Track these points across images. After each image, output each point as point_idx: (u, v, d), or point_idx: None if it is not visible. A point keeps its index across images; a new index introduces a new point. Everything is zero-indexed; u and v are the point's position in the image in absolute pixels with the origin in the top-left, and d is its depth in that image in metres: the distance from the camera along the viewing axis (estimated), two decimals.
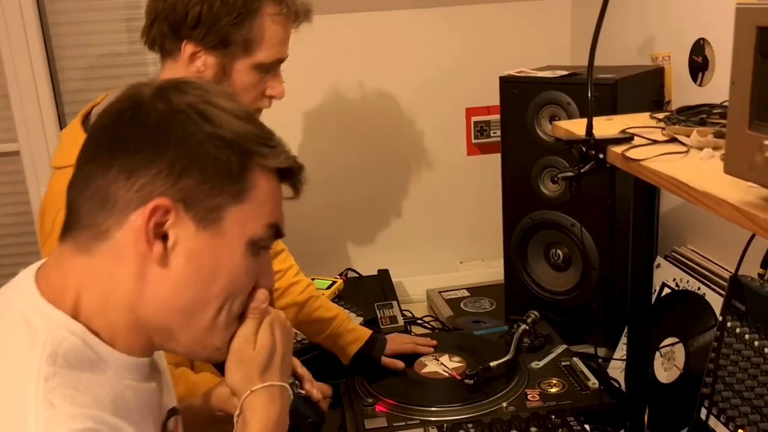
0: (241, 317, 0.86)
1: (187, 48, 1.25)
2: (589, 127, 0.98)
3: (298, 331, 1.70)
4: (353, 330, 1.63)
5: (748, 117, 0.70)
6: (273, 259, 1.61)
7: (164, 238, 0.77)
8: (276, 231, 0.84)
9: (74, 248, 0.79)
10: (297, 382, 1.01)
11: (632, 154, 0.93)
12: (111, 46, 2.20)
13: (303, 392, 1.00)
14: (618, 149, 0.96)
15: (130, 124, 0.78)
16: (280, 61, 1.32)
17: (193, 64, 1.26)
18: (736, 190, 0.76)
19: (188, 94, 0.79)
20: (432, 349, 1.64)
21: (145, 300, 0.78)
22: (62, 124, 2.21)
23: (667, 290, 1.63)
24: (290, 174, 0.85)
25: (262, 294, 0.86)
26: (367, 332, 1.63)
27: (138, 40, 2.15)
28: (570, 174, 0.97)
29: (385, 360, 1.59)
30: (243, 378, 0.86)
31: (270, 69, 1.31)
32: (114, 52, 2.21)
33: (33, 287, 0.79)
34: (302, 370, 1.04)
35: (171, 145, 0.76)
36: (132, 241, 0.76)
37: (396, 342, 1.63)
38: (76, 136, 1.06)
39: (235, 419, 0.86)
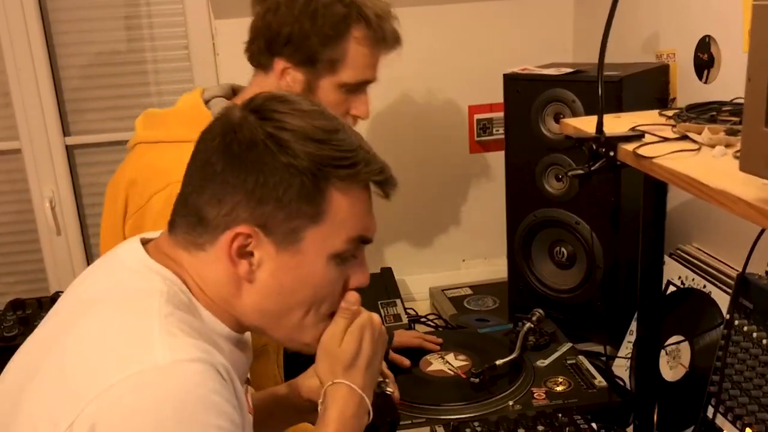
0: (334, 314, 0.92)
1: (279, 64, 1.34)
2: (600, 124, 0.97)
3: None
4: None
5: (765, 114, 0.69)
6: None
7: (251, 256, 0.85)
8: (361, 240, 0.89)
9: (176, 243, 0.88)
10: (383, 381, 1.04)
11: (644, 151, 0.93)
12: (111, 44, 2.19)
13: (388, 391, 1.04)
14: (629, 147, 0.96)
15: (216, 152, 0.84)
16: (367, 82, 1.39)
17: (283, 78, 1.34)
18: (750, 188, 0.76)
19: (270, 121, 0.84)
20: (438, 346, 1.64)
21: (237, 304, 0.87)
22: (64, 122, 2.20)
23: (672, 288, 1.62)
24: (379, 185, 0.90)
25: (351, 296, 0.92)
26: None
27: (137, 38, 2.19)
28: (580, 172, 0.97)
29: (392, 355, 1.60)
30: (328, 370, 0.93)
31: (355, 89, 1.38)
32: (114, 50, 2.20)
33: (144, 253, 0.88)
34: (388, 371, 1.09)
35: (251, 175, 0.82)
36: (223, 259, 0.85)
37: (403, 336, 1.64)
38: (198, 115, 1.19)
39: (319, 406, 0.93)
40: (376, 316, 0.98)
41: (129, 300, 0.84)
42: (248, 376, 1.00)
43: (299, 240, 0.84)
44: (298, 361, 1.67)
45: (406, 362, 1.59)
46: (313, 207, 0.84)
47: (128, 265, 0.88)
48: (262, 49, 1.34)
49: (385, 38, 1.37)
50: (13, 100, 2.14)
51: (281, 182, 0.82)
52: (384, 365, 1.08)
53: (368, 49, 1.35)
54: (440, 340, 1.66)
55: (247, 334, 0.97)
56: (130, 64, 2.20)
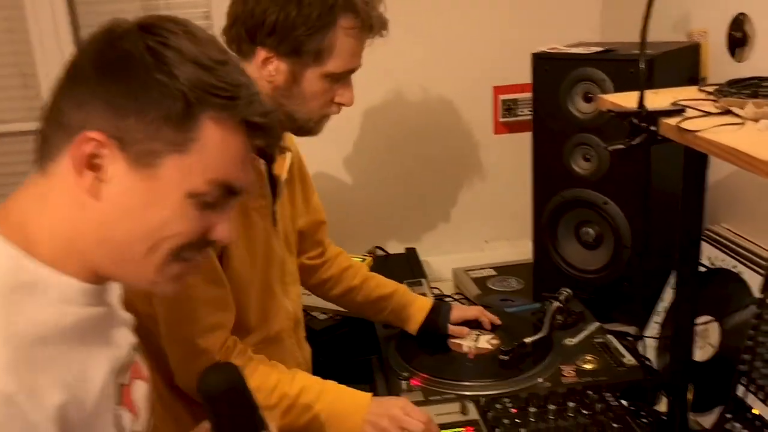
0: (186, 261, 0.85)
1: (261, 53, 1.28)
2: (641, 98, 0.97)
3: (357, 315, 1.72)
4: (416, 300, 1.65)
5: None
6: (323, 251, 1.63)
7: (100, 170, 0.78)
8: (226, 189, 0.82)
9: (38, 168, 0.82)
10: None
11: (687, 125, 0.92)
12: (128, 3, 2.17)
13: None
14: (672, 121, 0.95)
15: (91, 57, 0.80)
16: (352, 71, 1.34)
17: (265, 68, 1.28)
18: None
19: (154, 36, 0.79)
20: (496, 322, 1.65)
21: (81, 228, 0.81)
22: None
23: (701, 269, 1.62)
24: (258, 130, 0.83)
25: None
26: (429, 300, 1.66)
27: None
28: (621, 146, 0.97)
29: (451, 328, 1.61)
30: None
31: (340, 78, 1.33)
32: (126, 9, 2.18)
33: None
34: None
35: (117, 83, 0.77)
36: (67, 168, 0.79)
37: (462, 309, 1.66)
38: None
39: None
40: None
41: None
42: (135, 344, 0.96)
43: (156, 165, 0.78)
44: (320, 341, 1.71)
45: (465, 331, 1.62)
46: (180, 134, 0.78)
47: None
48: (243, 36, 1.28)
49: (372, 26, 1.32)
50: (40, 80, 2.15)
51: (150, 100, 0.77)
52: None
53: (355, 39, 1.30)
54: (497, 320, 1.66)
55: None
56: None
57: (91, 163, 0.78)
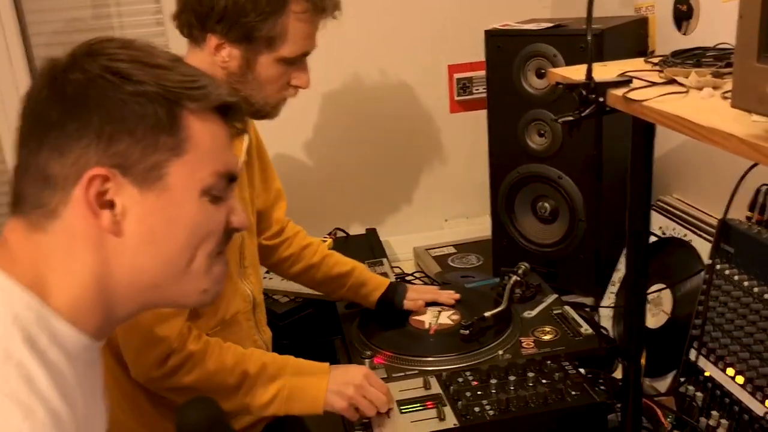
0: (222, 256, 0.85)
1: (212, 40, 1.26)
2: (589, 70, 0.98)
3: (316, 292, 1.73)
4: (373, 278, 1.67)
5: (757, 49, 0.71)
6: (282, 228, 1.63)
7: (113, 206, 0.76)
8: (229, 177, 0.83)
9: (27, 226, 0.77)
10: None
11: (633, 95, 0.95)
12: (78, 10, 2.14)
13: None
14: (619, 92, 0.97)
15: (48, 102, 0.76)
16: (306, 54, 1.33)
17: (218, 54, 1.27)
18: (741, 125, 0.77)
19: (102, 56, 0.77)
20: (452, 300, 1.67)
21: (111, 272, 0.78)
22: None
23: (653, 238, 1.66)
24: (229, 110, 0.83)
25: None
26: (386, 280, 1.68)
27: (102, 4, 2.14)
28: (570, 118, 0.98)
29: (407, 303, 1.63)
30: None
31: (295, 62, 1.32)
32: (82, 17, 2.15)
33: None
34: None
35: (94, 113, 0.74)
36: (81, 216, 0.75)
37: (418, 291, 1.68)
38: None
39: None
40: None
41: None
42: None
43: (163, 176, 0.77)
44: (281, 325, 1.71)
45: (420, 303, 1.64)
46: (173, 137, 0.77)
47: None
48: (193, 23, 1.26)
49: (324, 9, 1.31)
50: None
51: (132, 114, 0.74)
52: None
53: (307, 23, 1.29)
54: (457, 296, 1.68)
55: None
56: (98, 32, 2.15)
57: (103, 201, 0.75)
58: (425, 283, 2.00)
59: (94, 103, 0.75)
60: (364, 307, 1.66)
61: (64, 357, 0.76)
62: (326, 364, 1.31)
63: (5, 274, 0.75)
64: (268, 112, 1.35)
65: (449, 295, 1.68)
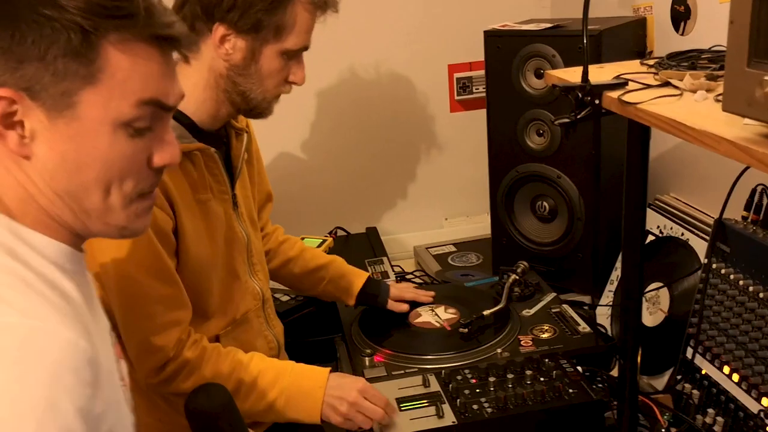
0: (145, 196, 0.83)
1: (219, 30, 1.25)
2: (585, 73, 1.00)
3: (297, 290, 1.74)
4: (353, 270, 1.67)
5: (747, 55, 0.72)
6: (262, 227, 1.61)
7: (23, 127, 0.75)
8: (157, 106, 0.79)
9: None
10: None
11: (628, 98, 0.96)
12: None
13: None
14: (614, 94, 0.98)
15: None
16: (305, 48, 1.34)
17: (222, 46, 1.26)
18: (732, 128, 0.79)
19: None
20: (431, 299, 1.68)
21: (31, 189, 0.77)
22: None
23: (651, 237, 1.67)
24: (168, 41, 0.79)
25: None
26: (365, 272, 1.68)
27: None
28: (566, 120, 1.00)
29: (391, 304, 1.64)
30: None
31: (294, 56, 1.32)
32: None
33: None
34: None
35: (8, 30, 0.72)
36: None
37: (398, 289, 1.68)
38: None
39: None
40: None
41: None
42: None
43: (74, 104, 0.74)
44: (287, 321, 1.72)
45: (404, 307, 1.64)
46: (85, 66, 0.74)
47: None
48: (198, 14, 1.25)
49: (326, 2, 1.32)
50: None
51: (43, 38, 0.72)
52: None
53: (311, 15, 1.31)
54: (433, 293, 1.69)
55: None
56: None
57: (10, 123, 0.74)
58: (426, 283, 2.01)
59: (8, 20, 0.72)
60: (346, 303, 1.67)
61: (50, 265, 0.77)
62: (325, 373, 1.31)
63: None
64: (263, 109, 1.35)
65: (426, 294, 1.69)
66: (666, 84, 1.01)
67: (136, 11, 0.75)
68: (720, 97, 0.82)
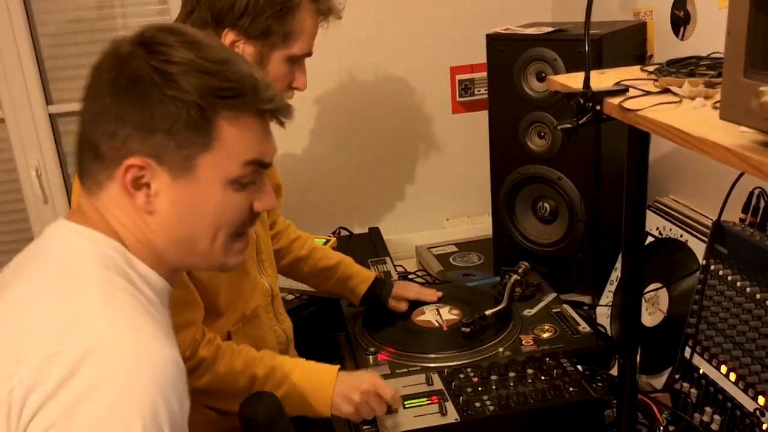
0: (242, 236, 0.97)
1: (229, 36, 1.29)
2: (587, 80, 1.02)
3: (305, 285, 1.77)
4: (360, 272, 1.71)
5: (744, 65, 0.75)
6: (274, 222, 1.65)
7: (149, 188, 0.88)
8: (258, 164, 0.92)
9: (85, 192, 0.92)
10: None
11: (629, 104, 0.98)
12: (85, 11, 2.18)
13: None
14: (615, 101, 1.01)
15: (107, 84, 0.87)
16: (309, 54, 1.38)
17: None
18: (728, 135, 0.81)
19: (157, 54, 0.86)
20: (436, 298, 1.70)
21: (151, 236, 0.91)
22: (46, 90, 2.20)
23: (650, 239, 1.70)
24: (271, 113, 0.93)
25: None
26: (372, 273, 1.72)
27: (107, 5, 2.17)
28: (568, 125, 1.02)
29: (391, 302, 1.67)
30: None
31: (297, 62, 1.36)
32: (88, 17, 2.19)
33: (65, 221, 0.92)
34: None
35: (138, 108, 0.85)
36: (120, 193, 0.89)
37: (401, 288, 1.71)
38: None
39: None
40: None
41: (57, 263, 0.88)
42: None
43: (193, 167, 0.88)
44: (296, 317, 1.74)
45: (404, 307, 1.67)
46: (202, 136, 0.87)
47: (52, 233, 0.92)
48: (208, 20, 1.28)
49: (330, 9, 1.36)
50: None
51: (168, 114, 0.85)
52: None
53: (316, 21, 1.35)
54: (439, 294, 1.72)
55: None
56: (106, 31, 2.19)
57: (138, 185, 0.88)
58: (428, 282, 2.03)
59: (140, 99, 0.86)
60: (351, 301, 1.71)
61: (154, 295, 0.90)
62: (335, 368, 1.34)
63: (87, 227, 0.90)
64: None
65: (432, 293, 1.72)
66: (665, 91, 1.03)
67: (244, 90, 0.89)
68: (718, 104, 0.85)
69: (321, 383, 1.31)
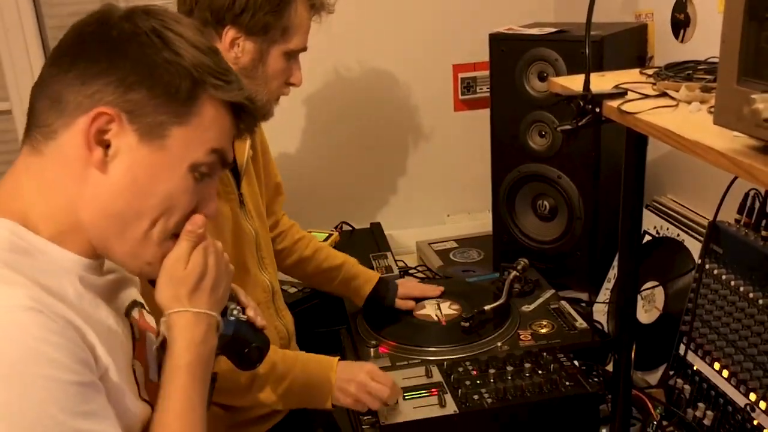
0: (173, 240, 0.89)
1: (229, 33, 1.31)
2: (587, 82, 1.05)
3: (309, 285, 1.79)
4: (364, 272, 1.73)
5: (737, 73, 0.78)
6: (277, 222, 1.68)
7: (108, 147, 0.82)
8: (221, 159, 0.89)
9: (29, 149, 0.85)
10: (240, 308, 0.99)
11: (627, 107, 1.01)
12: (91, 4, 2.20)
13: (245, 318, 0.99)
14: (613, 103, 1.04)
15: (93, 36, 0.84)
16: (304, 49, 1.40)
17: (231, 50, 1.32)
18: (722, 139, 0.84)
19: (154, 19, 0.85)
20: (438, 293, 1.73)
21: (84, 203, 0.84)
22: None
23: (648, 237, 1.73)
24: (243, 110, 0.91)
25: (198, 219, 0.89)
26: (376, 274, 1.74)
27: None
28: (568, 127, 1.05)
29: (398, 303, 1.69)
30: (172, 296, 0.89)
31: (293, 57, 1.38)
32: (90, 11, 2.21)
33: None
34: (246, 298, 1.03)
35: (127, 61, 0.82)
36: (76, 144, 0.82)
37: (406, 286, 1.73)
38: None
39: (162, 335, 0.90)
40: (219, 242, 0.95)
41: None
42: (138, 300, 0.99)
43: (164, 136, 0.83)
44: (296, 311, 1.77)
45: (411, 305, 1.69)
46: (183, 107, 0.84)
47: None
48: (208, 19, 1.29)
49: (322, 3, 1.39)
50: (2, 60, 2.16)
51: (159, 76, 0.82)
52: (241, 292, 1.03)
53: (309, 15, 1.37)
54: (441, 289, 1.74)
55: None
56: None
57: (100, 139, 0.82)
58: (428, 278, 2.06)
59: (132, 53, 0.82)
60: (355, 302, 1.72)
61: (65, 274, 0.82)
62: (334, 360, 1.36)
63: None
64: (267, 110, 1.41)
65: (434, 289, 1.74)
66: (663, 94, 1.06)
67: (231, 80, 0.89)
68: (713, 109, 0.88)
69: (321, 377, 1.34)
